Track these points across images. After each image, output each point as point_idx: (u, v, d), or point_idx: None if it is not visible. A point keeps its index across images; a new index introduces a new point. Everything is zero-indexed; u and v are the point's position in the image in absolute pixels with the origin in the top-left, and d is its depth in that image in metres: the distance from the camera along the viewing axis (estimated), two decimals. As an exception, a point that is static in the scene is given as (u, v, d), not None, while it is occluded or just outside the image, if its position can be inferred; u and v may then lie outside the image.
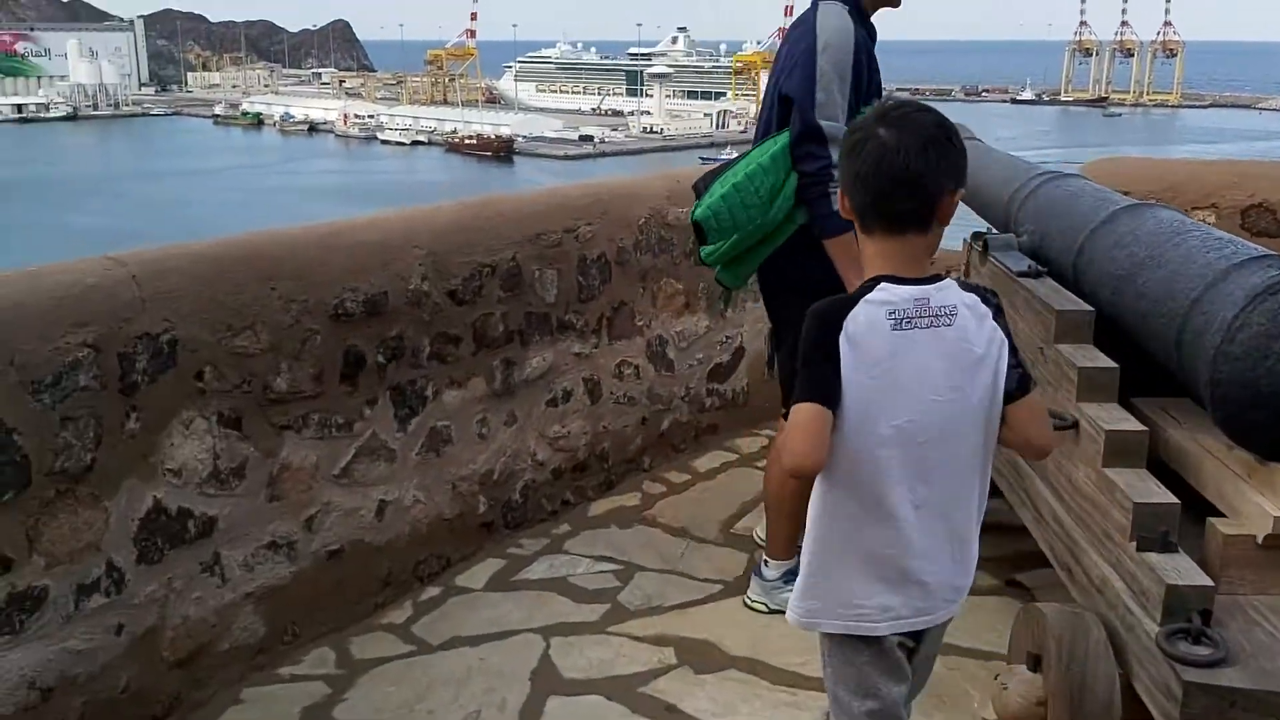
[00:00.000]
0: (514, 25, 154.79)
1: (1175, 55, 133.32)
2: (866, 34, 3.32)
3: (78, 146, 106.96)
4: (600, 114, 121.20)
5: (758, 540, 4.02)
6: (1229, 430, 2.61)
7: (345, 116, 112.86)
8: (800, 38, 3.30)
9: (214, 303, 3.11)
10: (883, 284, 1.97)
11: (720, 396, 5.24)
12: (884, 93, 3.42)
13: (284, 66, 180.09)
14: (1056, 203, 3.77)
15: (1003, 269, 3.65)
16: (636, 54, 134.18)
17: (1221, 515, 2.58)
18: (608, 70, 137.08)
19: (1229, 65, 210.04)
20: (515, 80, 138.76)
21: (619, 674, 3.33)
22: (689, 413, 5.08)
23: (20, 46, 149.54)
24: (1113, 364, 2.96)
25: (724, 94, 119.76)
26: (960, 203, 2.06)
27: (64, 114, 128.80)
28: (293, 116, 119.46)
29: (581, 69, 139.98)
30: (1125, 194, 4.04)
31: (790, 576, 3.42)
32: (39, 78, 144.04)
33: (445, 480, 3.96)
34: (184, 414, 3.05)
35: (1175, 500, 2.57)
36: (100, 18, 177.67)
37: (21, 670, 2.71)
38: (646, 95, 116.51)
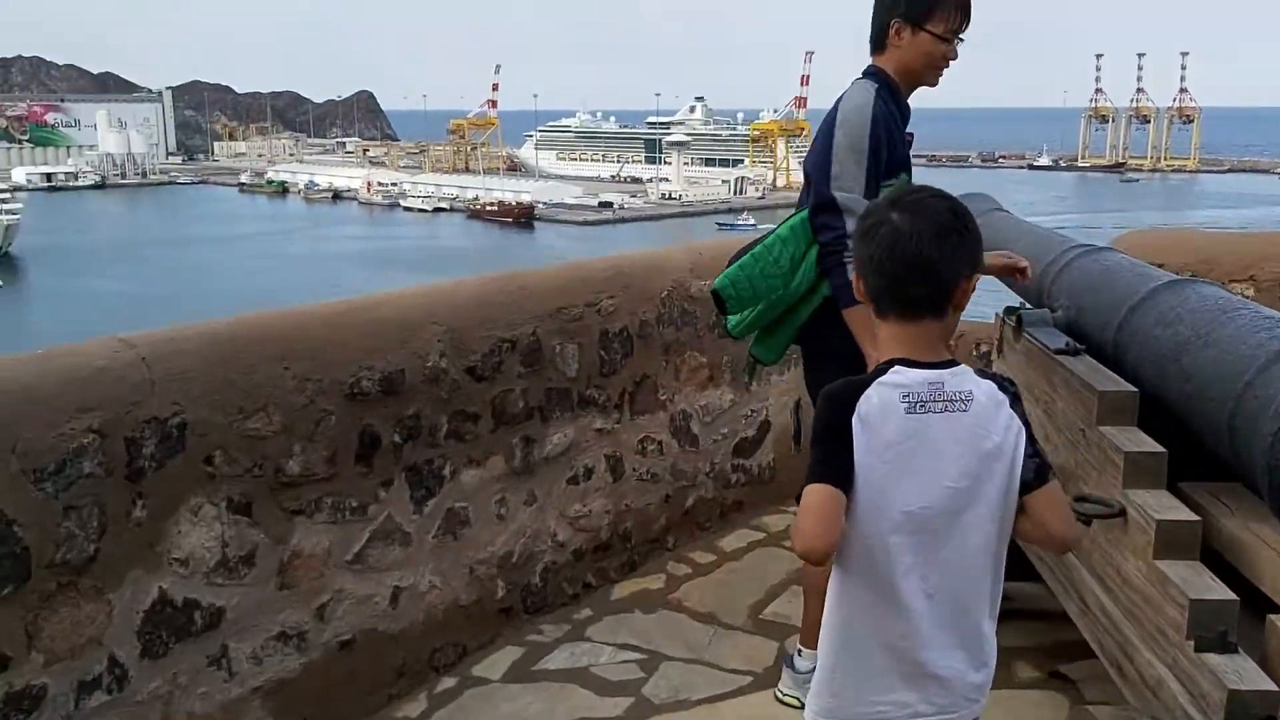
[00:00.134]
0: (535, 95, 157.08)
1: (1192, 121, 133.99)
2: (898, 110, 3.29)
3: (105, 214, 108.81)
4: (619, 181, 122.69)
5: None
6: None
7: (369, 184, 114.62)
8: (827, 115, 3.32)
9: (226, 384, 3.02)
10: (897, 366, 1.96)
11: (746, 472, 5.10)
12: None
13: (309, 136, 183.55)
14: (1092, 277, 3.67)
15: (1039, 346, 3.54)
16: (655, 123, 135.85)
17: None
18: (627, 138, 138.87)
19: (1246, 130, 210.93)
20: (536, 148, 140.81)
21: (644, 774, 3.17)
22: (714, 489, 4.94)
23: (51, 117, 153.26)
24: (1160, 448, 2.84)
25: (741, 161, 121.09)
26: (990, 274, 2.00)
27: (92, 183, 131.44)
28: (317, 184, 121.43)
29: (601, 137, 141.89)
30: (1159, 266, 3.95)
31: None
32: (68, 147, 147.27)
33: (462, 564, 3.83)
34: (192, 500, 2.95)
35: (1234, 597, 2.43)
36: (130, 89, 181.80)
37: (16, 774, 2.58)
38: (665, 162, 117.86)
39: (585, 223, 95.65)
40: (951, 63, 3.28)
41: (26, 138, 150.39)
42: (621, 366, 4.45)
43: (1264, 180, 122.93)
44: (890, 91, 3.26)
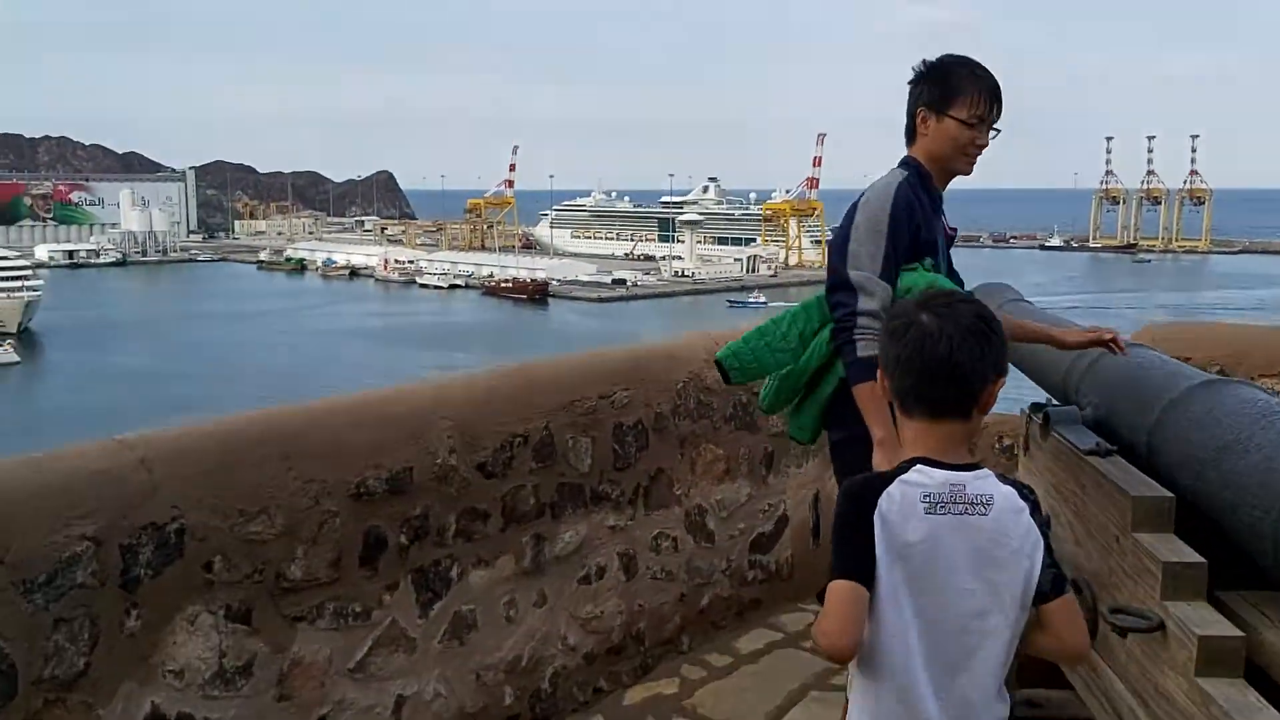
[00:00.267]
0: (550, 176, 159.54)
1: (1203, 203, 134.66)
2: (928, 197, 3.27)
3: (124, 291, 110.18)
4: (633, 258, 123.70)
5: None
6: None
7: (386, 262, 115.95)
8: (854, 200, 3.33)
9: (227, 487, 2.93)
10: (920, 465, 1.97)
11: (763, 569, 4.95)
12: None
13: (328, 214, 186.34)
14: (1122, 374, 3.58)
15: (1068, 445, 3.43)
16: (668, 202, 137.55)
17: None
18: (641, 217, 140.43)
19: (1257, 212, 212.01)
20: (551, 227, 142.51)
21: None
22: (730, 587, 4.79)
23: (75, 196, 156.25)
24: (1200, 559, 2.72)
25: (754, 240, 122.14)
26: (1013, 366, 1.99)
27: (113, 260, 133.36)
28: (334, 261, 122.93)
29: (615, 216, 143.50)
30: (1185, 359, 3.86)
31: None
32: (92, 225, 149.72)
33: (469, 670, 3.68)
34: (189, 609, 2.84)
35: None
36: (153, 168, 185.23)
37: None
38: (678, 241, 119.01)
39: (599, 299, 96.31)
40: (983, 149, 3.27)
41: (51, 216, 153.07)
42: (636, 460, 4.34)
43: (1276, 261, 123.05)
44: (921, 179, 3.26)
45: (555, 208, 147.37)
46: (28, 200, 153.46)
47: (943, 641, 1.94)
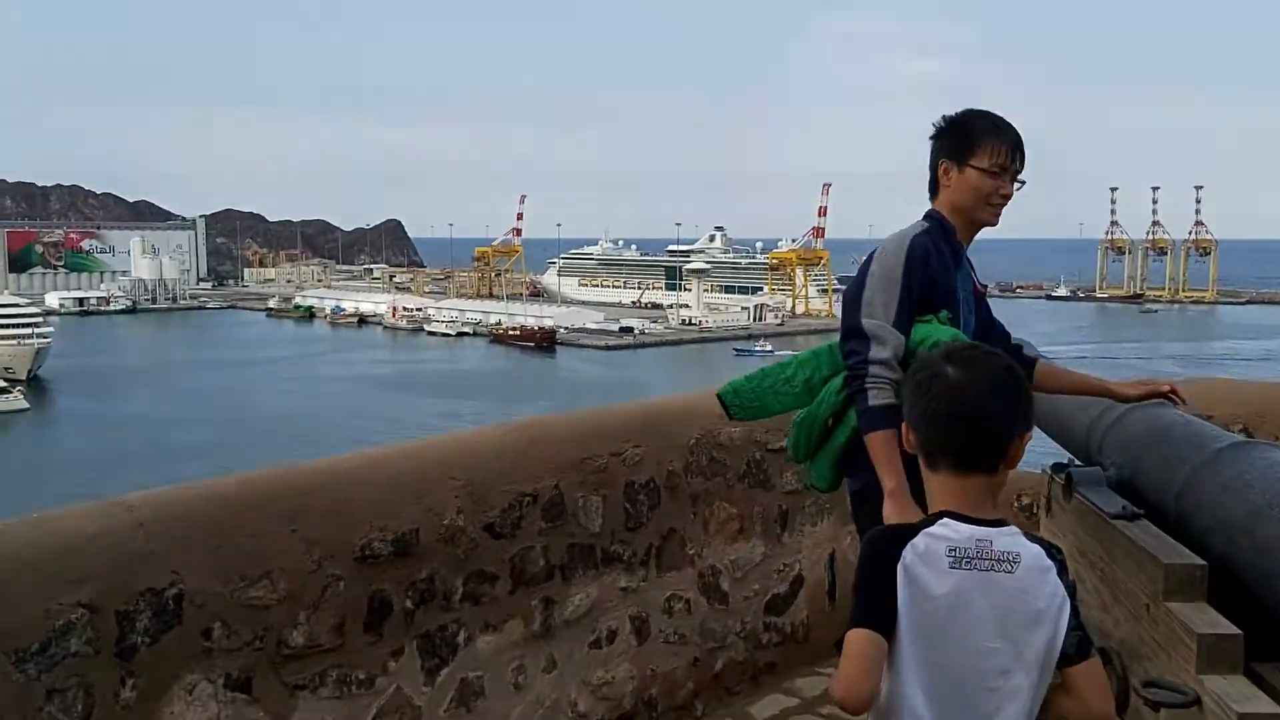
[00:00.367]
0: (558, 225, 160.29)
1: (1209, 253, 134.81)
2: (949, 250, 3.24)
3: (134, 337, 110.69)
4: (640, 307, 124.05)
5: None
6: None
7: (394, 309, 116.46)
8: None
9: (228, 550, 2.85)
10: (946, 519, 1.94)
11: (778, 631, 4.83)
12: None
13: (337, 262, 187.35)
14: (1147, 434, 3.51)
15: (1093, 508, 3.34)
16: (675, 251, 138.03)
17: None
18: (648, 266, 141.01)
19: (1264, 263, 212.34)
20: (559, 275, 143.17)
21: None
22: (745, 650, 4.67)
23: (86, 244, 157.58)
24: (1236, 630, 2.63)
25: (760, 288, 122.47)
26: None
27: (123, 307, 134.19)
28: (343, 309, 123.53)
29: (622, 265, 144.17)
30: (1207, 418, 3.78)
31: None
32: (102, 273, 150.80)
33: (476, 739, 3.57)
34: (187, 678, 2.75)
35: None
36: (164, 217, 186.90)
37: None
38: (685, 289, 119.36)
39: (606, 347, 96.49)
40: (1008, 198, 3.24)
41: (62, 263, 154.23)
42: (648, 519, 4.25)
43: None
44: (944, 232, 3.24)
45: (563, 256, 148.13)
46: (39, 248, 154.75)
47: (961, 699, 1.90)
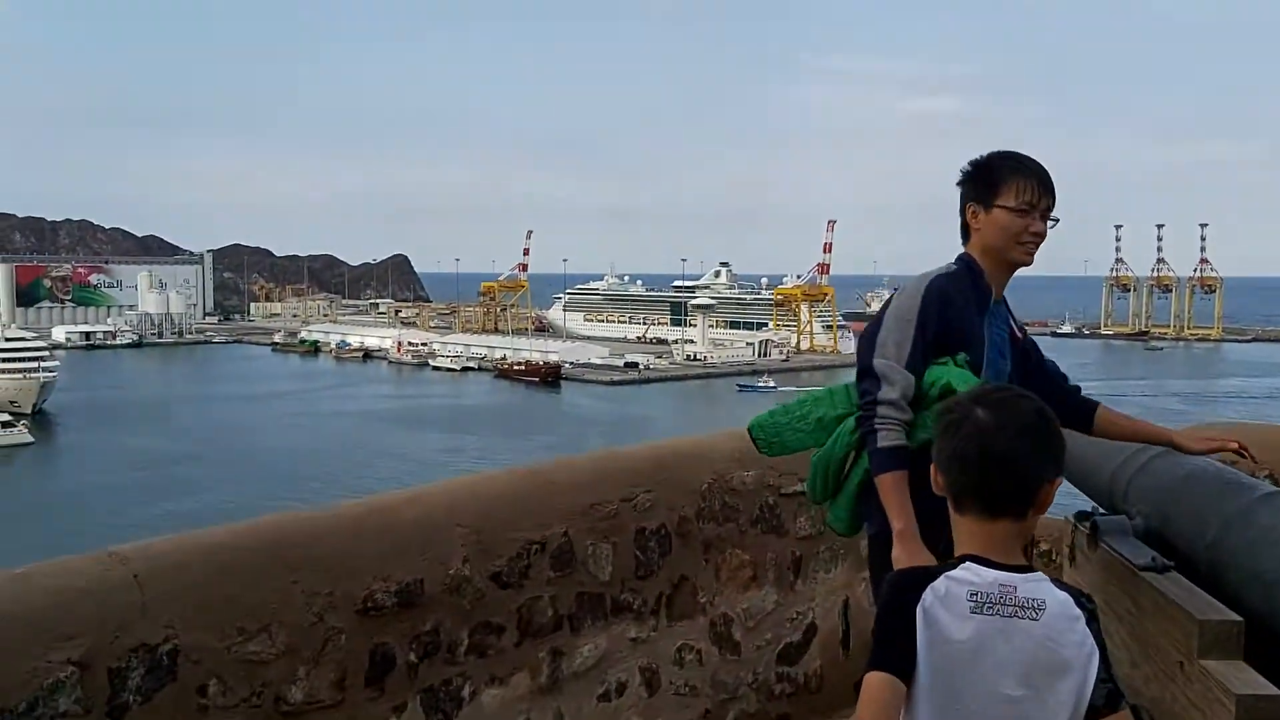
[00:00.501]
0: (564, 260, 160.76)
1: (1214, 291, 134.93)
2: (975, 293, 3.19)
3: (140, 371, 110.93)
4: (645, 342, 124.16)
5: None
6: None
7: (399, 344, 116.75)
8: None
9: (226, 602, 2.75)
10: (969, 563, 1.90)
11: (791, 681, 4.69)
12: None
13: (344, 297, 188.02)
14: (1174, 482, 3.40)
15: (1119, 559, 3.22)
16: (681, 286, 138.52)
17: None
18: (653, 301, 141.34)
19: (1269, 300, 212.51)
20: (564, 310, 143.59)
21: None
22: (757, 702, 4.53)
23: (94, 278, 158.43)
24: (1276, 690, 2.51)
25: (765, 324, 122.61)
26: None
27: (129, 341, 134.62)
28: (348, 344, 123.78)
29: (628, 300, 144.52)
30: (1232, 464, 3.67)
31: None
32: (109, 307, 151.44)
33: (480, 798, 3.43)
34: (180, 738, 2.62)
35: None
36: (172, 251, 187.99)
37: None
38: (690, 324, 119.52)
39: (611, 382, 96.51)
40: (1040, 236, 3.20)
41: (70, 297, 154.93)
42: (659, 567, 4.13)
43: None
44: (970, 274, 3.20)
45: (568, 291, 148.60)
46: (47, 282, 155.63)
47: None
